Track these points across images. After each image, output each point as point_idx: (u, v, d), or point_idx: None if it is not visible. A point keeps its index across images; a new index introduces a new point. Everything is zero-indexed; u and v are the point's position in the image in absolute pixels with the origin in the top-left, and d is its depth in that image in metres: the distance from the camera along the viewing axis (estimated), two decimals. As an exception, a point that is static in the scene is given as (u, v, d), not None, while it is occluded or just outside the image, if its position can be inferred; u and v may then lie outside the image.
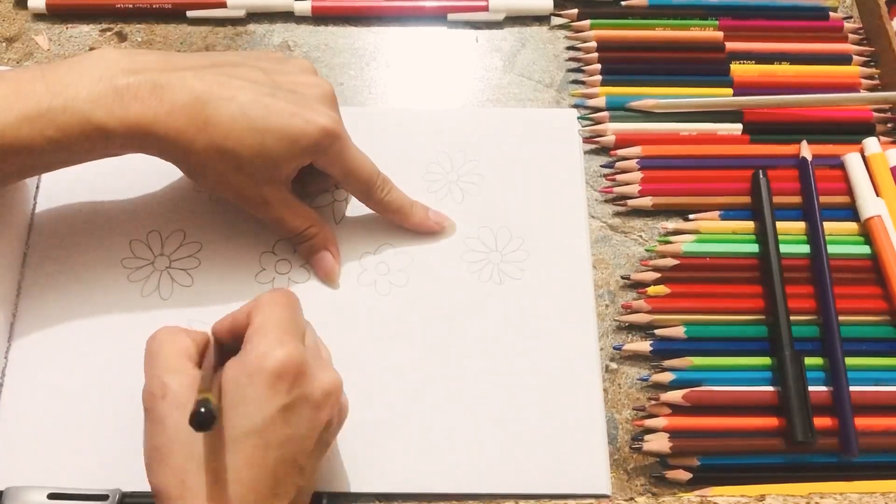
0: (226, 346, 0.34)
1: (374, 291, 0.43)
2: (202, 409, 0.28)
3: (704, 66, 0.51)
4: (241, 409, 0.30)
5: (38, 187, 0.45)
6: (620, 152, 0.48)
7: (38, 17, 0.52)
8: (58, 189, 0.45)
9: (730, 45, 0.52)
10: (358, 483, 0.38)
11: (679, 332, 0.42)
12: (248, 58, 0.40)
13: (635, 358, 0.42)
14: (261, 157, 0.37)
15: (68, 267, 0.43)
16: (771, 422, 0.40)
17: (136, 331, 0.41)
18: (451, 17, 0.53)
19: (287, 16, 0.53)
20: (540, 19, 0.54)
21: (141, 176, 0.45)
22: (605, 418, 0.40)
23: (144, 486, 0.37)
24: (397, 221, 0.43)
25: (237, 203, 0.40)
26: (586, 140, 0.48)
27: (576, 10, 0.53)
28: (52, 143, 0.35)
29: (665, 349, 0.42)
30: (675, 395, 0.40)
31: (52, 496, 0.36)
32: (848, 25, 0.53)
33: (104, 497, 0.36)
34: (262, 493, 0.30)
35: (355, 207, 0.45)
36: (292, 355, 0.31)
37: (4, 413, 0.39)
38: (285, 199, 0.40)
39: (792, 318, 0.42)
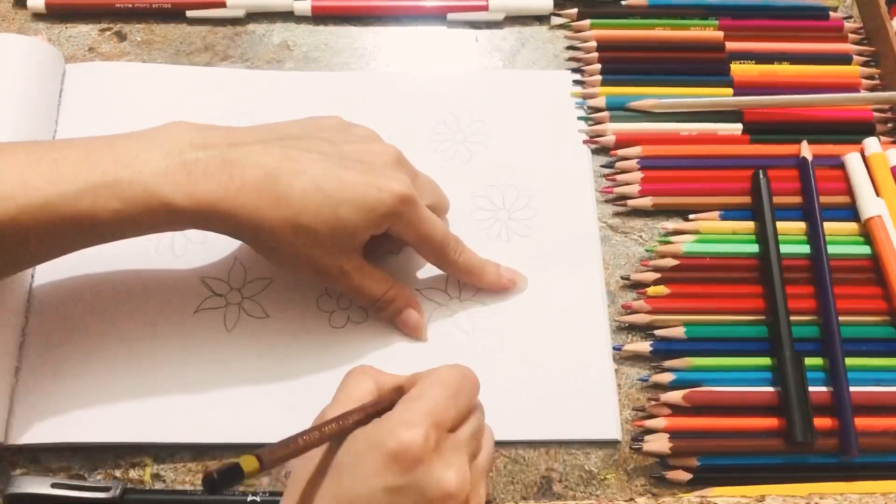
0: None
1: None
2: (216, 474, 0.25)
3: (704, 66, 0.51)
4: (353, 474, 0.30)
5: None
6: (620, 152, 0.48)
7: (38, 16, 0.52)
8: None
9: (730, 45, 0.51)
10: None
11: (679, 332, 0.42)
12: (310, 129, 0.39)
13: (635, 358, 0.42)
14: (337, 229, 0.36)
15: None
16: (771, 422, 0.40)
17: (150, 285, 0.43)
18: (450, 16, 0.53)
19: (287, 16, 0.53)
20: (540, 19, 0.54)
21: None
22: (613, 366, 0.41)
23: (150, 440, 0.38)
24: (470, 282, 0.43)
25: (313, 277, 0.39)
26: (586, 141, 0.48)
27: (576, 10, 0.53)
28: (115, 216, 0.34)
29: (665, 349, 0.42)
30: (676, 396, 0.40)
31: (55, 486, 0.37)
32: (848, 25, 0.53)
33: (106, 489, 0.37)
34: None
35: None
36: (415, 441, 0.29)
37: (25, 376, 0.40)
38: (361, 266, 0.39)
39: (792, 318, 0.42)
